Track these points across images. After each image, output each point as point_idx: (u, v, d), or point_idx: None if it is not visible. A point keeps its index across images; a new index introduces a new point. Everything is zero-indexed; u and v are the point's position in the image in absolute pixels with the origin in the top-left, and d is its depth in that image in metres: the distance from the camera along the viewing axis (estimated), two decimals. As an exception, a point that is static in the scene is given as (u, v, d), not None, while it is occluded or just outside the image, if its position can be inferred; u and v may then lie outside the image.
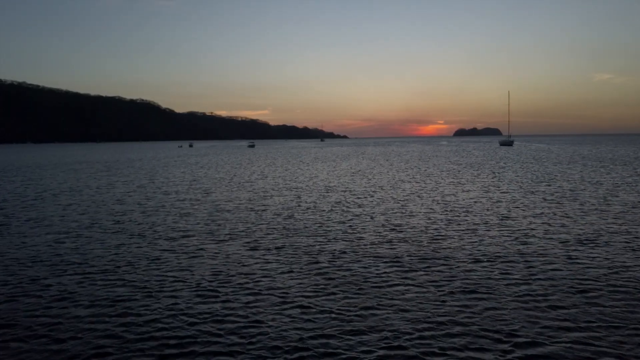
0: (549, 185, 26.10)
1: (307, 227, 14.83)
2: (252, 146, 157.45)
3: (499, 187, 25.51)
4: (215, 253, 11.70)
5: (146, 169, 47.61)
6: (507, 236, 13.20)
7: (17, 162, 65.45)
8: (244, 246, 12.39)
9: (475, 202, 20.06)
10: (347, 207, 19.07)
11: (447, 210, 17.75)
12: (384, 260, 10.80)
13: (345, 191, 24.74)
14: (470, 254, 11.28)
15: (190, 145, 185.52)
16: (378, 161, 56.92)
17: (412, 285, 9.10)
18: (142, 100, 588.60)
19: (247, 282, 9.36)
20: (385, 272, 9.91)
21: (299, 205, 19.70)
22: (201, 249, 12.17)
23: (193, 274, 9.94)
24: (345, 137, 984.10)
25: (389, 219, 16.13)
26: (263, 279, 9.55)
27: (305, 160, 63.95)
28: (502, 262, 10.63)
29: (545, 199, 20.57)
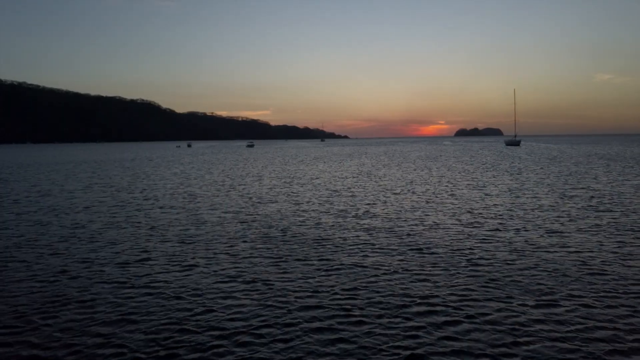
0: (583, 188, 22.74)
1: (304, 247, 11.51)
2: (251, 146, 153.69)
3: (527, 191, 22.17)
4: (176, 290, 8.37)
5: (134, 169, 44.30)
6: (575, 262, 9.86)
7: (1, 163, 62.13)
8: (218, 277, 9.07)
9: (508, 210, 16.73)
10: (356, 217, 15.75)
11: (478, 222, 14.41)
12: (418, 306, 7.48)
13: (351, 197, 21.43)
14: (536, 291, 7.95)
15: (189, 145, 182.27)
16: (383, 161, 53.58)
17: (464, 344, 5.79)
18: (143, 100, 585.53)
19: (215, 346, 6.05)
20: (422, 324, 6.60)
21: (296, 216, 16.39)
22: (159, 281, 8.85)
23: (135, 330, 6.62)
24: (346, 137, 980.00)
25: (411, 234, 12.80)
26: (241, 343, 6.24)
27: (305, 160, 60.62)
28: (585, 305, 7.32)
29: (592, 206, 17.20)
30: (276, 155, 78.90)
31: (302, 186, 26.28)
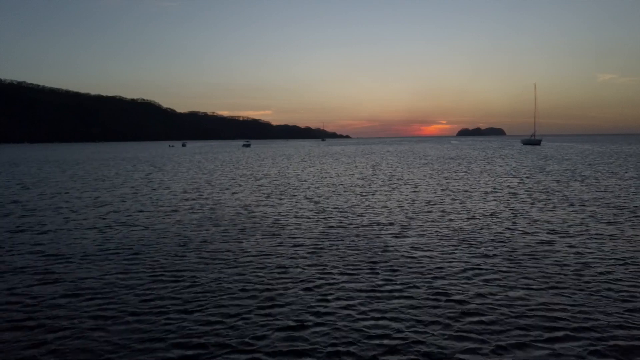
0: None
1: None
2: (248, 146, 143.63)
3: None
4: None
5: (88, 171, 35.81)
6: None
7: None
8: None
9: None
10: (396, 264, 7.29)
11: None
12: None
13: (382, 228, 12.98)
14: None
15: (183, 145, 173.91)
16: (400, 161, 44.84)
17: None
18: (143, 100, 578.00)
19: None
20: None
21: (281, 274, 7.95)
22: None
23: None
24: (347, 137, 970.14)
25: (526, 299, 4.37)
26: None
27: (304, 161, 52.03)
28: None
29: None
30: (273, 156, 70.25)
31: (295, 203, 17.86)
